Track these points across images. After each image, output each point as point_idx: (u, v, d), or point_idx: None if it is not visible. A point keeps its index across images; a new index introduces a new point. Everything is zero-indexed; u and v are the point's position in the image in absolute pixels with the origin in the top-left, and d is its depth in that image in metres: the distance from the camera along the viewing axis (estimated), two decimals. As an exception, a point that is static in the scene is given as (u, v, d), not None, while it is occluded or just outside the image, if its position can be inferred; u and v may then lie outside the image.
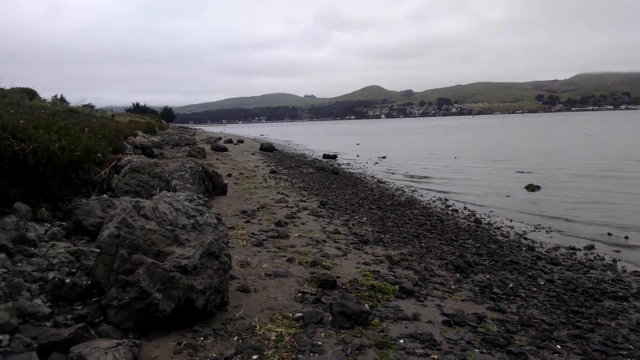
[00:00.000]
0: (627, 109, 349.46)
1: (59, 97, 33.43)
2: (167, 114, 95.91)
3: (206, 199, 4.55)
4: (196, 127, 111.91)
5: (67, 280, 3.85)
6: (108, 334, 3.31)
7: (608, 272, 7.12)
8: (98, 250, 3.74)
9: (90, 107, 33.28)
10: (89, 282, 3.84)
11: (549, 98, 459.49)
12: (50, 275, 4.02)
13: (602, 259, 7.89)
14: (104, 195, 6.60)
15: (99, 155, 7.44)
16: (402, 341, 3.81)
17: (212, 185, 10.38)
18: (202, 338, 3.51)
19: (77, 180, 6.75)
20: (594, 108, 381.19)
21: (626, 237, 9.23)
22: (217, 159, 20.38)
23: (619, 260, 7.82)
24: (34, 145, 6.04)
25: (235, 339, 3.55)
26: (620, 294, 5.94)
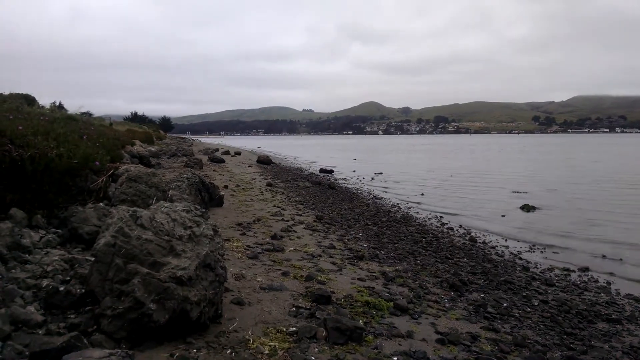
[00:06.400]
0: (622, 132, 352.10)
1: (57, 103, 33.43)
2: (165, 124, 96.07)
3: (203, 210, 4.55)
4: (194, 138, 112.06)
5: (61, 288, 3.83)
6: (101, 343, 3.29)
7: (602, 294, 7.14)
8: (93, 259, 3.73)
9: (88, 114, 33.28)
10: (83, 290, 3.82)
11: (546, 119, 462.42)
12: (44, 282, 4.00)
13: (596, 281, 7.90)
14: (101, 204, 6.58)
15: (97, 163, 7.43)
16: (395, 358, 3.80)
17: (208, 197, 10.37)
18: (195, 350, 3.49)
19: (74, 188, 6.74)
20: (590, 130, 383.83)
21: (620, 260, 9.25)
22: (214, 170, 20.37)
23: (613, 283, 7.84)
24: (32, 152, 6.04)
25: (228, 352, 3.53)
26: (613, 316, 5.96)
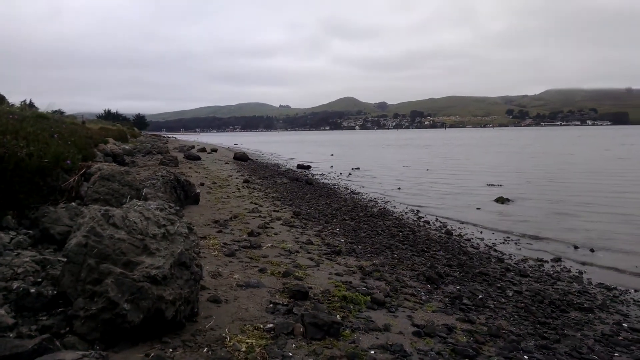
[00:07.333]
0: (593, 124, 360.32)
1: (27, 102, 32.71)
2: (140, 121, 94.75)
3: (177, 208, 4.50)
4: (169, 136, 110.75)
5: (32, 290, 3.75)
6: (74, 345, 3.24)
7: (574, 284, 7.28)
8: (65, 260, 3.67)
9: (59, 112, 32.66)
10: (55, 292, 3.75)
11: (519, 113, 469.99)
12: (15, 284, 3.91)
13: (569, 271, 8.06)
14: (73, 204, 6.46)
15: (68, 162, 7.29)
16: (372, 352, 3.82)
17: (184, 194, 10.27)
18: (171, 349, 3.45)
19: (44, 188, 6.60)
20: (562, 123, 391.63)
21: (592, 250, 9.45)
22: (189, 168, 20.18)
23: (585, 273, 8.00)
24: (1, 151, 5.89)
25: (205, 350, 3.51)
26: (585, 305, 6.08)
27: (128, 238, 3.69)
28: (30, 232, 5.66)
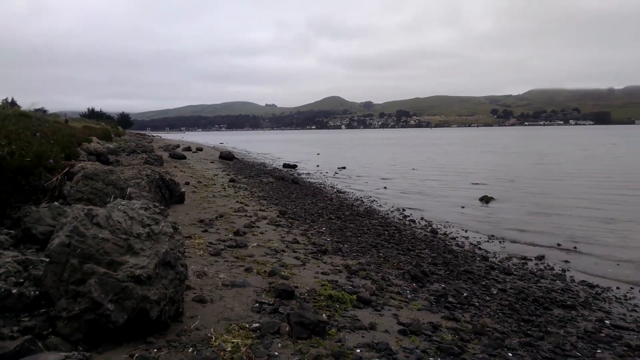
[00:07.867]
0: (576, 124, 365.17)
1: (9, 100, 32.26)
2: (124, 120, 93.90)
3: (162, 207, 4.47)
4: (154, 134, 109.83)
5: (14, 291, 3.69)
6: (56, 346, 3.19)
7: (557, 281, 7.37)
8: (47, 260, 3.61)
9: (42, 111, 32.26)
10: (37, 292, 3.70)
11: (503, 112, 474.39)
12: (-4, 285, 3.85)
13: (552, 269, 8.15)
14: (55, 203, 6.37)
15: (51, 161, 7.19)
16: (358, 351, 3.83)
17: (169, 194, 10.19)
18: (155, 350, 3.42)
19: (26, 187, 6.50)
20: (546, 123, 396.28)
21: (575, 248, 9.57)
22: (175, 167, 20.05)
23: (568, 270, 8.10)
24: (-19, 150, 5.80)
25: (190, 350, 3.48)
26: (568, 302, 6.16)
27: (112, 238, 3.65)
28: (12, 232, 5.58)
